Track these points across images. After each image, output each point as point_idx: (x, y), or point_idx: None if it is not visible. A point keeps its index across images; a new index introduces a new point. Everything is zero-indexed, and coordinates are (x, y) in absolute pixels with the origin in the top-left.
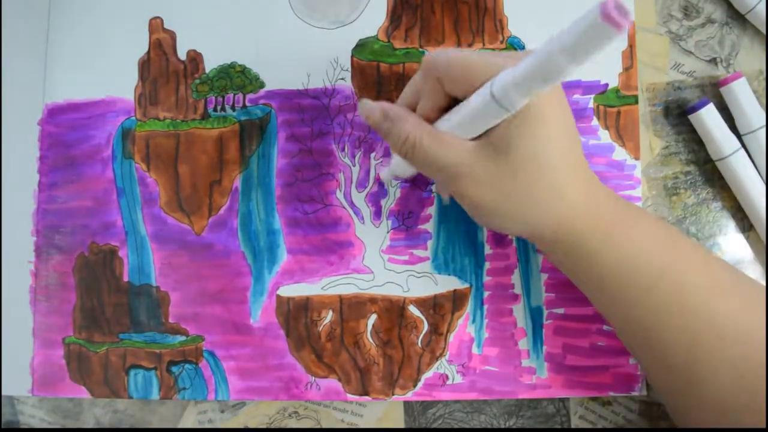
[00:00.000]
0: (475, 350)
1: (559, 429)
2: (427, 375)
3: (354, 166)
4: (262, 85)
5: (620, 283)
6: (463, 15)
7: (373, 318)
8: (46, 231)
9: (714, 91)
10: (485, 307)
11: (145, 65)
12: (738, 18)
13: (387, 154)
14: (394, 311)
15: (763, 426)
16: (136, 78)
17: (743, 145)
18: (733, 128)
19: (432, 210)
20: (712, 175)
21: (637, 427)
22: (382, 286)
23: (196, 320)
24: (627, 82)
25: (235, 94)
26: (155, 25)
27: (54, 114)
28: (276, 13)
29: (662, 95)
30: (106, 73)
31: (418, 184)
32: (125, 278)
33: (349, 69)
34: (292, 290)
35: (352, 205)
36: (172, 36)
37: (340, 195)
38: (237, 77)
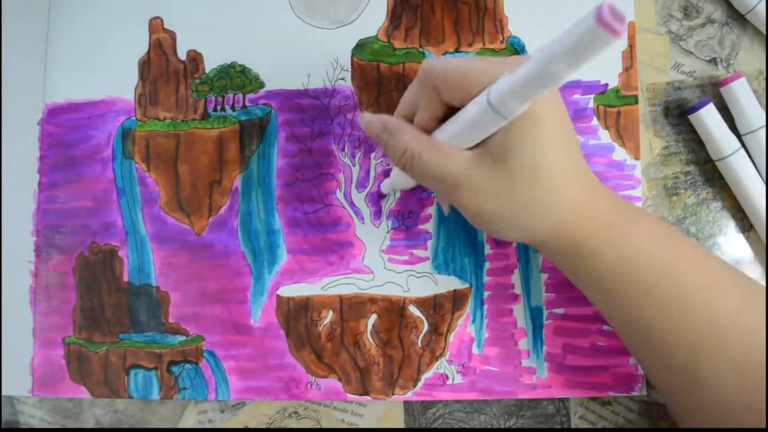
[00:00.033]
0: (475, 350)
1: (559, 429)
2: (427, 375)
3: (354, 166)
4: (262, 85)
5: (620, 284)
6: (463, 15)
7: (373, 318)
8: (46, 231)
9: (714, 91)
10: (485, 307)
11: (145, 65)
12: (738, 18)
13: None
14: (394, 311)
15: (764, 426)
16: (136, 78)
17: (743, 145)
18: (733, 128)
19: (432, 210)
20: (712, 175)
21: (637, 427)
22: (382, 286)
23: (196, 320)
24: (627, 82)
25: (235, 94)
26: (155, 25)
27: (54, 114)
28: (276, 13)
29: (662, 95)
30: (106, 73)
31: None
32: (125, 278)
33: (349, 69)
34: (292, 290)
35: (352, 205)
36: (172, 36)
37: (340, 195)
38: (237, 77)
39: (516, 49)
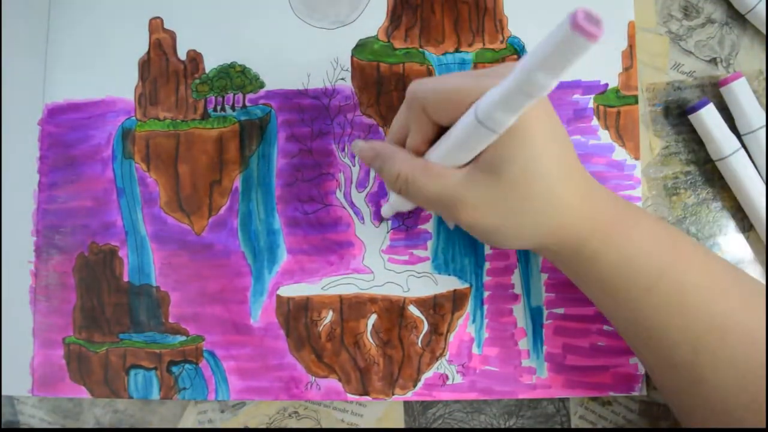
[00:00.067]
0: (475, 350)
1: (559, 429)
2: (427, 375)
3: (354, 166)
4: (262, 85)
5: (621, 283)
6: (463, 15)
7: (373, 318)
8: (46, 231)
9: (714, 91)
10: (485, 307)
11: (145, 65)
12: (738, 18)
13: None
14: (394, 311)
15: (764, 426)
16: (136, 78)
17: (743, 145)
18: (733, 128)
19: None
20: (712, 175)
21: (637, 427)
22: (382, 286)
23: (196, 320)
24: (627, 82)
25: (235, 94)
26: (155, 25)
27: (54, 114)
28: (276, 13)
29: (662, 95)
30: (106, 73)
31: None
32: (125, 278)
33: (349, 69)
34: (292, 290)
35: (352, 205)
36: (172, 36)
37: (340, 195)
38: (237, 77)
39: (516, 49)
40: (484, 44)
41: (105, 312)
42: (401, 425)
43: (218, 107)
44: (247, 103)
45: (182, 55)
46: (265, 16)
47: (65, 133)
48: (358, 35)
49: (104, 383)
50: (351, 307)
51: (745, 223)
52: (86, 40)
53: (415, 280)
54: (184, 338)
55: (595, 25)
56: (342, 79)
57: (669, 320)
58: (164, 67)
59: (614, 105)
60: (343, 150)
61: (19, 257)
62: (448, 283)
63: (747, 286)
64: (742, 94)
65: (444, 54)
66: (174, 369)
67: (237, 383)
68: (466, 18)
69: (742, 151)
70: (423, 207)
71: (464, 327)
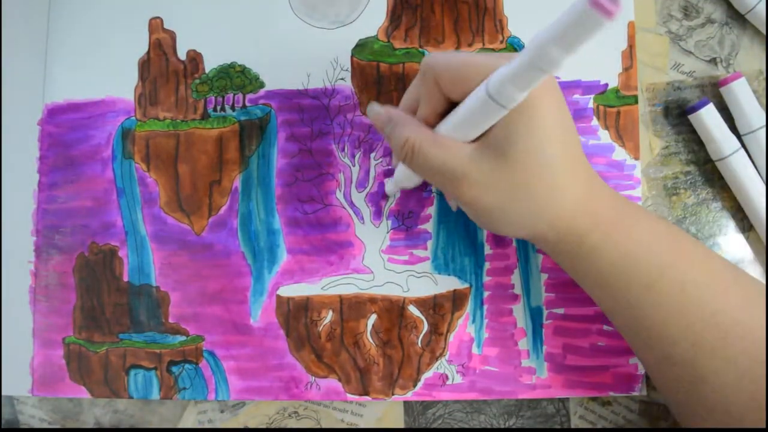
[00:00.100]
0: (475, 350)
1: (559, 429)
2: (427, 375)
3: (354, 166)
4: (262, 85)
5: (620, 281)
6: (463, 15)
7: (373, 318)
8: (46, 231)
9: (714, 91)
10: (485, 307)
11: (145, 65)
12: (738, 18)
13: (387, 154)
14: (394, 311)
15: (764, 425)
16: (136, 78)
17: (743, 145)
18: (733, 128)
19: (432, 210)
20: (712, 175)
21: (637, 427)
22: (382, 286)
23: (196, 320)
24: (627, 82)
25: (235, 94)
26: (155, 25)
27: (54, 114)
28: (276, 13)
29: (662, 95)
30: (106, 73)
31: None
32: (125, 278)
33: (349, 69)
34: (292, 290)
35: (351, 205)
36: (172, 36)
37: (340, 195)
38: (237, 77)
39: (516, 49)
40: (483, 44)
41: (105, 312)
42: (401, 425)
43: (218, 107)
44: (247, 103)
45: (182, 55)
46: (265, 15)
47: (65, 133)
48: (358, 35)
49: (104, 383)
50: (351, 307)
51: (745, 223)
52: (86, 40)
53: (415, 280)
54: (184, 338)
55: (613, 2)
56: (342, 79)
57: (669, 318)
58: (164, 67)
59: (614, 105)
60: (343, 150)
61: (19, 257)
62: (448, 283)
63: (747, 286)
64: (742, 94)
65: None
66: (174, 369)
67: (237, 383)
68: (466, 18)
69: (742, 151)
70: (426, 178)
71: (464, 327)
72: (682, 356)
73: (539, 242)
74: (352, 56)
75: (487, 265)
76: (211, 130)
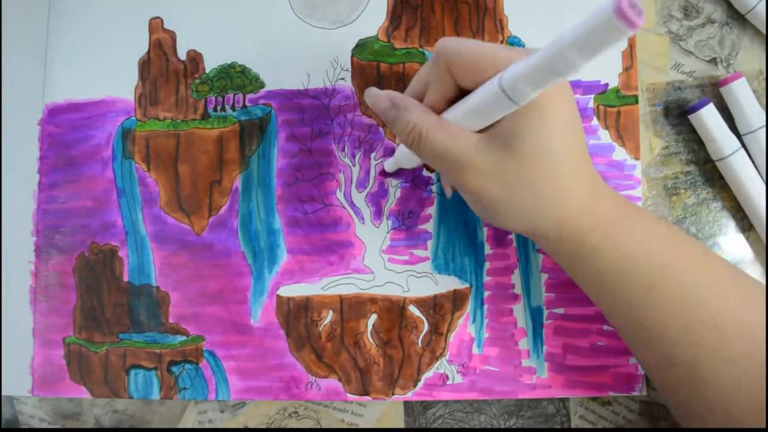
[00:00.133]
0: (475, 350)
1: (559, 429)
2: (428, 375)
3: (354, 166)
4: (262, 85)
5: (620, 281)
6: (463, 15)
7: (373, 318)
8: (46, 231)
9: (714, 91)
10: (485, 307)
11: (145, 65)
12: (738, 18)
13: (387, 154)
14: (394, 311)
15: (764, 426)
16: (136, 78)
17: (743, 145)
18: (733, 128)
19: (432, 210)
20: (712, 175)
21: (637, 427)
22: (382, 286)
23: (196, 320)
24: (627, 82)
25: (235, 94)
26: (155, 25)
27: (54, 114)
28: (276, 13)
29: (662, 95)
30: (106, 73)
31: (418, 183)
32: (125, 278)
33: (349, 69)
34: (292, 290)
35: (352, 205)
36: (172, 36)
37: (340, 195)
38: (237, 77)
39: None
40: None
41: (105, 312)
42: (401, 425)
43: (218, 107)
44: (247, 103)
45: (182, 55)
46: (265, 16)
47: (65, 133)
48: (358, 35)
49: (104, 383)
50: (351, 307)
51: (745, 223)
52: (86, 40)
53: (415, 280)
54: (184, 338)
55: (638, 14)
56: (342, 79)
57: (668, 319)
58: (164, 67)
59: (614, 105)
60: (343, 150)
61: (19, 257)
62: (448, 283)
63: (747, 286)
64: (742, 94)
65: None
66: (174, 369)
67: (237, 383)
68: (466, 18)
69: (742, 151)
70: (429, 163)
71: (464, 327)
72: (682, 357)
73: (539, 239)
74: (352, 56)
75: (487, 265)
76: (212, 130)
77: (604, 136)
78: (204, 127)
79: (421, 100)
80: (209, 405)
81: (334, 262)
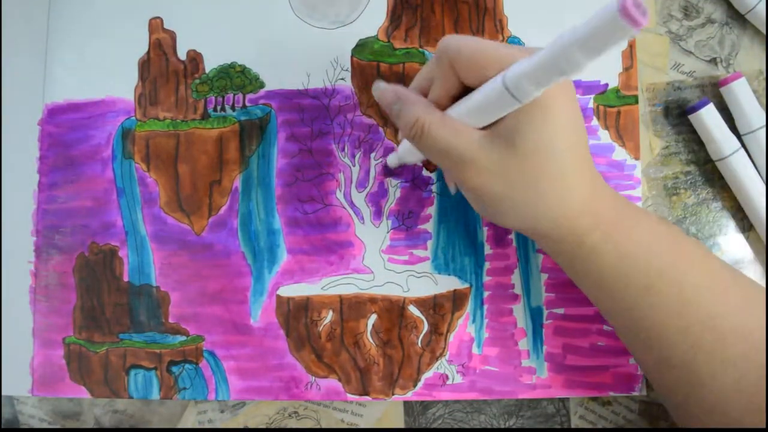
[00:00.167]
0: (475, 350)
1: (559, 429)
2: (427, 375)
3: (354, 166)
4: (262, 85)
5: (619, 282)
6: (463, 15)
7: (373, 318)
8: (46, 231)
9: (714, 91)
10: (485, 307)
11: (145, 65)
12: (738, 18)
13: (387, 154)
14: (394, 311)
15: (764, 426)
16: (136, 78)
17: (743, 145)
18: (733, 128)
19: (432, 210)
20: (712, 175)
21: (637, 427)
22: (382, 286)
23: (196, 320)
24: (627, 82)
25: (235, 94)
26: (155, 25)
27: (54, 114)
28: (276, 13)
29: (662, 95)
30: (106, 73)
31: (418, 184)
32: (125, 278)
33: (349, 69)
34: (292, 290)
35: (352, 205)
36: (172, 36)
37: (340, 195)
38: (237, 77)
39: None
40: None
41: (105, 312)
42: (401, 425)
43: (218, 107)
44: (247, 103)
45: (182, 55)
46: (265, 16)
47: (65, 133)
48: (358, 35)
49: (104, 383)
50: (351, 307)
51: (745, 223)
52: (86, 40)
53: (415, 280)
54: (184, 338)
55: (642, 14)
56: (342, 79)
57: (667, 320)
58: (164, 67)
59: (614, 105)
60: (343, 150)
61: (19, 257)
62: (448, 283)
63: (746, 288)
64: (742, 94)
65: None
66: (174, 369)
67: (237, 383)
68: (466, 18)
69: (742, 151)
70: (432, 159)
71: (464, 327)
72: (681, 358)
73: (539, 239)
74: (352, 56)
75: (487, 265)
76: (211, 130)
77: (604, 136)
78: (204, 127)
79: (425, 96)
80: (209, 405)
81: (334, 262)
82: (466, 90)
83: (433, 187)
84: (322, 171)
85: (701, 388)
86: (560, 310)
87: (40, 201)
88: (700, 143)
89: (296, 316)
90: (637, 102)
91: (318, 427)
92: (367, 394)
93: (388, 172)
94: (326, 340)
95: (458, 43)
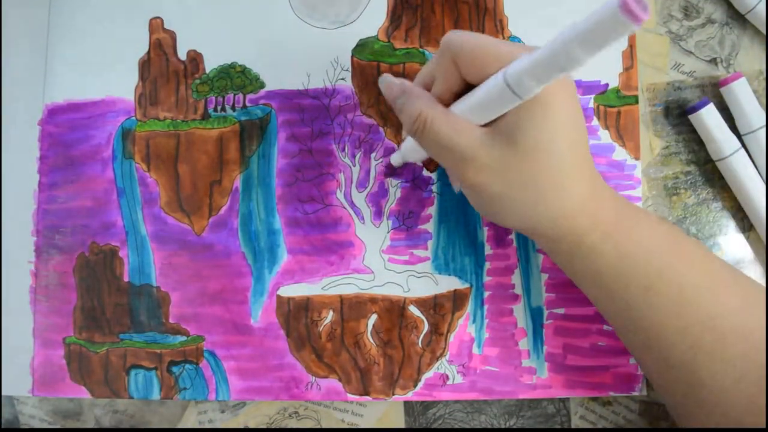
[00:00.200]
0: (475, 350)
1: (559, 429)
2: (428, 375)
3: (354, 166)
4: (262, 85)
5: (619, 282)
6: (463, 15)
7: (373, 318)
8: (46, 231)
9: (714, 91)
10: (485, 307)
11: (145, 65)
12: (738, 18)
13: (387, 155)
14: (394, 311)
15: (764, 426)
16: (136, 78)
17: (743, 145)
18: (733, 128)
19: (432, 210)
20: (712, 175)
21: (637, 427)
22: (383, 286)
23: (196, 320)
24: (627, 82)
25: (235, 94)
26: (155, 25)
27: (54, 114)
28: (276, 13)
29: (662, 95)
30: (106, 73)
31: (418, 184)
32: (125, 278)
33: (350, 69)
34: (292, 290)
35: (352, 205)
36: (172, 36)
37: (340, 195)
38: (237, 77)
39: None
40: None
41: (105, 312)
42: (401, 425)
43: (218, 107)
44: (248, 103)
45: (182, 55)
46: (265, 16)
47: (65, 133)
48: (358, 35)
49: (104, 383)
50: (351, 307)
51: (745, 223)
52: (86, 40)
53: (415, 280)
54: (184, 338)
55: (643, 9)
56: (342, 79)
57: (667, 321)
58: (164, 67)
59: (614, 105)
60: (344, 150)
61: (19, 257)
62: (449, 283)
63: (746, 288)
64: (742, 94)
65: None
66: (174, 369)
67: (237, 383)
68: (467, 18)
69: (742, 151)
70: (433, 155)
71: (464, 327)
72: (681, 358)
73: (539, 238)
74: (352, 56)
75: (487, 265)
76: (212, 130)
77: (604, 136)
78: (204, 127)
79: (429, 90)
80: (209, 405)
81: (335, 262)
82: (468, 87)
83: (434, 187)
84: (323, 171)
85: (701, 388)
86: (560, 310)
87: (41, 201)
88: (700, 143)
89: (296, 316)
90: (637, 102)
91: (318, 427)
92: (367, 394)
93: (390, 171)
94: (326, 340)
95: (461, 39)
